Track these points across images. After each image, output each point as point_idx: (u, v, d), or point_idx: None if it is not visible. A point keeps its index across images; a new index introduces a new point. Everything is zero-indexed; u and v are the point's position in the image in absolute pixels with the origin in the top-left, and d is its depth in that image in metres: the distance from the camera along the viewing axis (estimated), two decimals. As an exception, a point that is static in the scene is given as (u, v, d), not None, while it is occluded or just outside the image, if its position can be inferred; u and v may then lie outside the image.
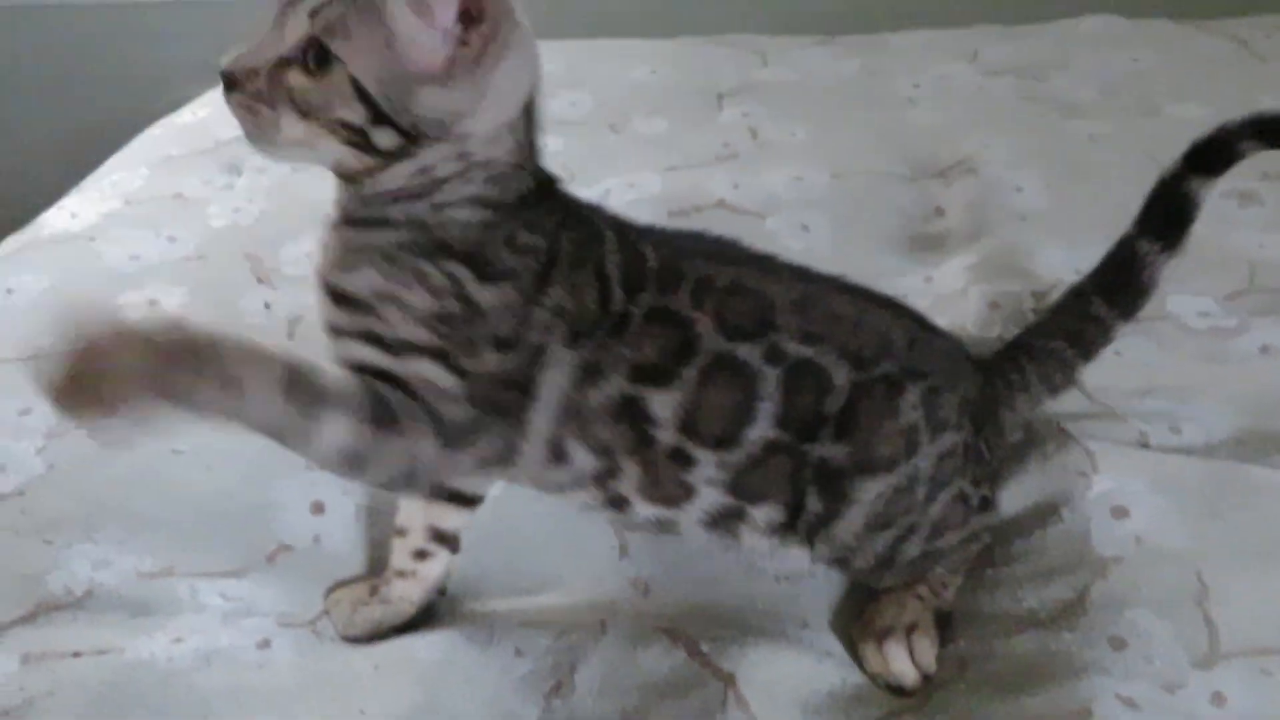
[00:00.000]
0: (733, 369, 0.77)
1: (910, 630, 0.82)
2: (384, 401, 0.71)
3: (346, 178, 0.75)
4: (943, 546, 0.84)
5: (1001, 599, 0.84)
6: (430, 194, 0.73)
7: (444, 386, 0.72)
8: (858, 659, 0.82)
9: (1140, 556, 0.81)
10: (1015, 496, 0.92)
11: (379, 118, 0.70)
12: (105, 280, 1.20)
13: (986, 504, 0.87)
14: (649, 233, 0.82)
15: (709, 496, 0.79)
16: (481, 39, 0.70)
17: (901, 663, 0.80)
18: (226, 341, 0.66)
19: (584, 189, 1.35)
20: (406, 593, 0.87)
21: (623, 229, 0.81)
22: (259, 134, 0.71)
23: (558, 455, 0.77)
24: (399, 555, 0.87)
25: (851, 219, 1.31)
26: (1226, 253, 1.20)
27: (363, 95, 0.69)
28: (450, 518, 0.87)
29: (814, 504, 0.80)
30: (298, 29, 0.69)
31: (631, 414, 0.76)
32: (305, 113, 0.69)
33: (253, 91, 0.69)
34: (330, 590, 0.89)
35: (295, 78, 0.69)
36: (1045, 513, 0.90)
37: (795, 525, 0.81)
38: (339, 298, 0.75)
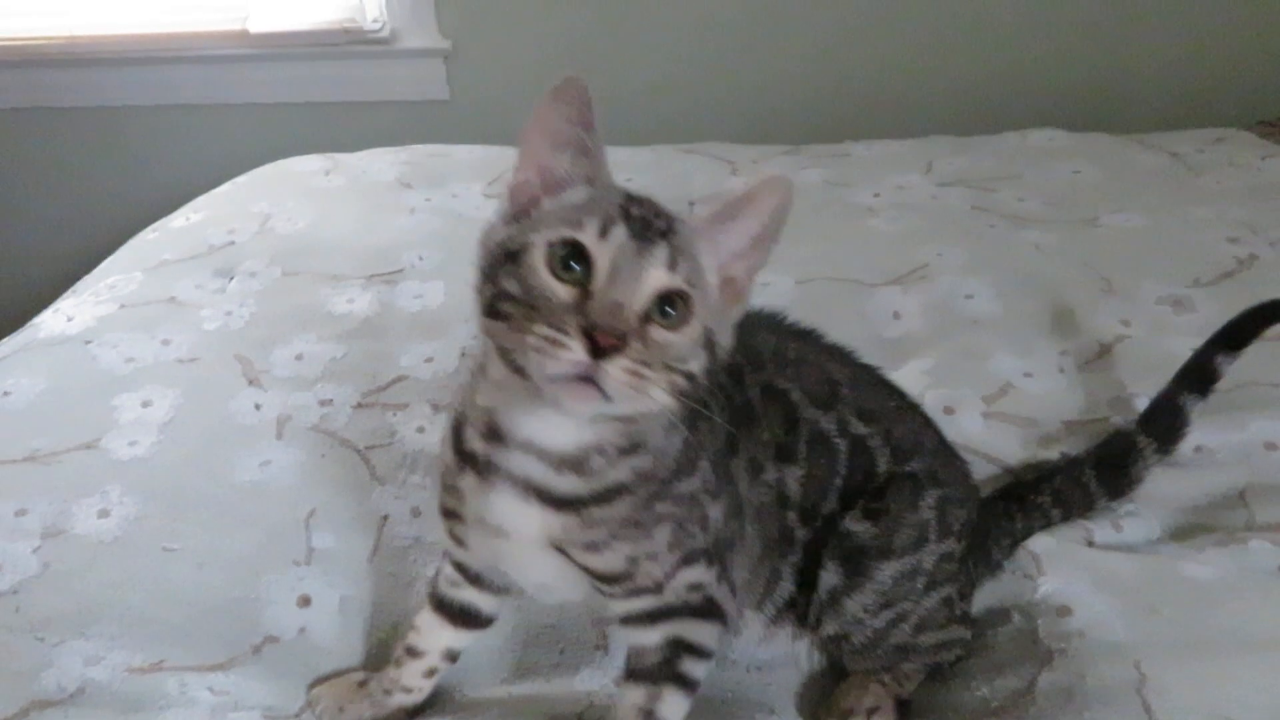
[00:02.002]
0: (824, 441, 0.85)
1: (871, 713, 0.87)
2: (677, 653, 0.77)
3: (575, 459, 0.72)
4: (922, 643, 0.90)
5: (956, 688, 0.90)
6: (639, 448, 0.72)
7: (698, 578, 0.77)
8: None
9: (1083, 649, 0.87)
10: (972, 602, 0.97)
11: (709, 349, 0.69)
12: (100, 382, 1.24)
13: (965, 618, 0.94)
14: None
15: (786, 584, 0.86)
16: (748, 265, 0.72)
17: None
18: None
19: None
20: (404, 702, 0.90)
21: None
22: (633, 398, 0.64)
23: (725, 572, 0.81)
24: (411, 675, 0.89)
25: (815, 323, 1.37)
26: (1162, 357, 1.27)
27: (708, 342, 0.68)
28: (465, 639, 0.91)
29: (831, 577, 0.86)
30: (654, 282, 0.65)
31: (780, 500, 0.83)
32: (665, 369, 0.65)
33: (637, 354, 0.63)
34: (313, 685, 0.92)
35: (658, 333, 0.65)
36: (997, 616, 0.96)
37: (797, 603, 0.87)
38: (601, 577, 0.77)
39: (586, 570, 0.76)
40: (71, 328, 1.36)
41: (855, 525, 0.85)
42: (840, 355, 0.93)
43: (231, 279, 1.48)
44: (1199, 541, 1.01)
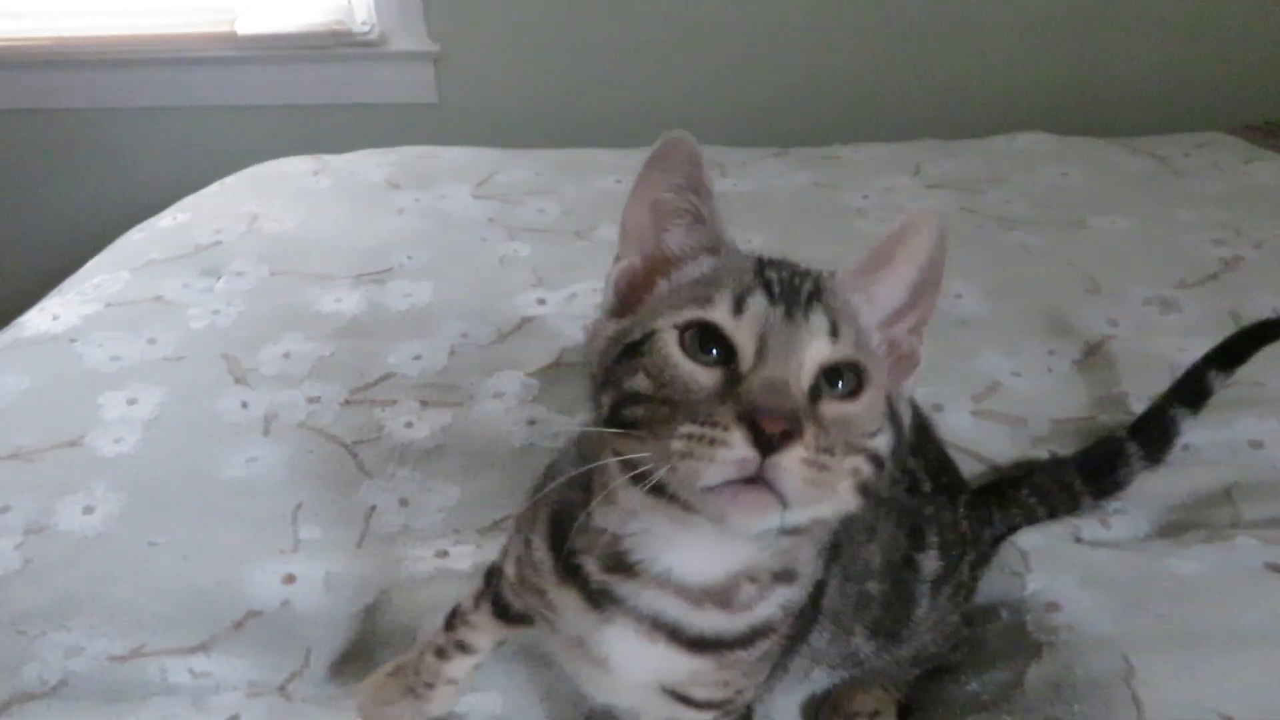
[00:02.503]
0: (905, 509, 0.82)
1: (874, 716, 0.87)
2: None
3: (722, 590, 0.61)
4: (934, 650, 0.89)
5: (946, 683, 0.89)
6: (793, 576, 0.63)
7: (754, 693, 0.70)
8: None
9: (1072, 642, 0.87)
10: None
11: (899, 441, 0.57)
12: (85, 381, 1.23)
13: (967, 621, 0.93)
14: None
15: (857, 639, 0.82)
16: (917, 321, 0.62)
17: None
18: None
19: (551, 293, 1.44)
20: (449, 693, 0.86)
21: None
22: (815, 495, 0.51)
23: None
24: (459, 669, 0.85)
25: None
26: (1150, 356, 1.28)
27: (892, 414, 0.57)
28: (521, 633, 0.85)
29: (924, 606, 0.83)
30: (817, 354, 0.54)
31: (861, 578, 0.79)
32: (847, 453, 0.53)
33: (815, 440, 0.50)
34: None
35: (832, 407, 0.54)
36: (987, 614, 0.95)
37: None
38: (697, 705, 0.67)
39: (687, 701, 0.66)
40: (57, 326, 1.35)
41: (930, 562, 0.83)
42: None
43: (219, 279, 1.48)
44: (1186, 538, 1.01)
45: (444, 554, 1.01)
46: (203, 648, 0.89)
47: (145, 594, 0.94)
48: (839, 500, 0.54)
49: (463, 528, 1.04)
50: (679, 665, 0.63)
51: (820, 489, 0.51)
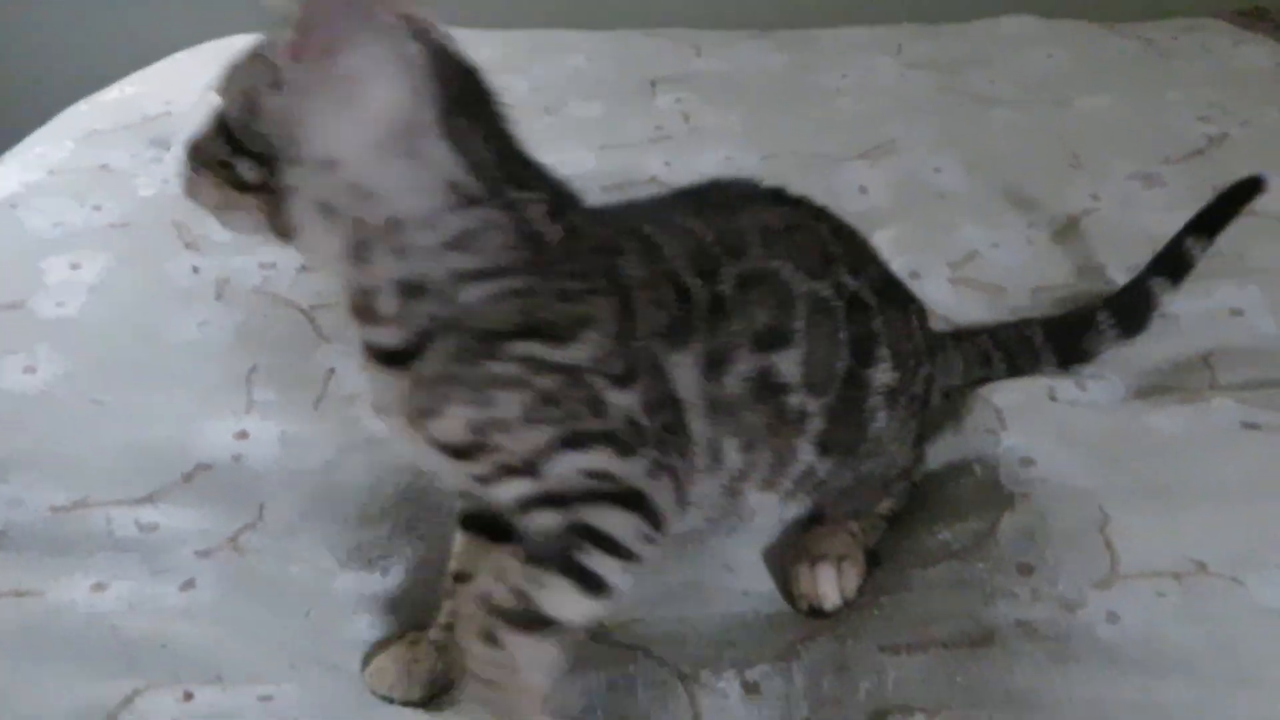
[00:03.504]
0: (824, 310, 0.79)
1: (841, 559, 0.85)
2: (571, 542, 0.68)
3: (364, 306, 0.69)
4: (890, 475, 0.88)
5: (920, 535, 0.88)
6: (423, 291, 0.67)
7: (602, 465, 0.68)
8: (787, 581, 0.86)
9: (1047, 493, 0.85)
10: (931, 458, 0.95)
11: (235, 146, 0.65)
12: (27, 246, 1.18)
13: (920, 450, 0.92)
14: (686, 207, 0.81)
15: (805, 458, 0.80)
16: (303, 29, 0.63)
17: (829, 585, 0.84)
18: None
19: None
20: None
21: (660, 218, 0.78)
22: (202, 205, 0.70)
23: (715, 457, 0.75)
24: (467, 600, 0.80)
25: (779, 197, 1.35)
26: (1132, 230, 1.25)
27: (222, 124, 0.66)
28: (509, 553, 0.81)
29: (882, 420, 0.83)
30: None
31: (768, 388, 0.76)
32: (205, 165, 0.67)
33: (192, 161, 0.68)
34: (367, 658, 0.82)
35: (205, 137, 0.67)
36: (958, 469, 0.94)
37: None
38: (450, 450, 0.70)
39: (437, 447, 0.70)
40: (-4, 192, 1.29)
41: (883, 375, 0.82)
42: (817, 210, 0.89)
43: (169, 149, 1.41)
44: (1162, 400, 0.99)
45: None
46: (150, 499, 0.86)
47: (89, 450, 0.90)
48: (241, 219, 0.68)
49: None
50: (397, 386, 0.69)
51: (194, 195, 0.70)
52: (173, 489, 0.87)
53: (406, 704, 0.79)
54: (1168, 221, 1.27)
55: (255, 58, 0.65)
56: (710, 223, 0.78)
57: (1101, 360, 1.05)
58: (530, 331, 0.67)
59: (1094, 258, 1.21)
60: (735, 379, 0.74)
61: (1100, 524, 0.81)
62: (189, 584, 0.81)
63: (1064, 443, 0.91)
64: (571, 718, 0.73)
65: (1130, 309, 1.06)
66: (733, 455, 0.76)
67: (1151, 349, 1.07)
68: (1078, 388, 1.01)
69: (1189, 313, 1.12)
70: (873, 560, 0.88)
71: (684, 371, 0.73)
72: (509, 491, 0.69)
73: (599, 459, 0.68)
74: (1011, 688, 0.71)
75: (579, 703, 0.73)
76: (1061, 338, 1.03)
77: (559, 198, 0.72)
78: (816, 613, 0.83)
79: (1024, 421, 0.94)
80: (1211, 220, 1.07)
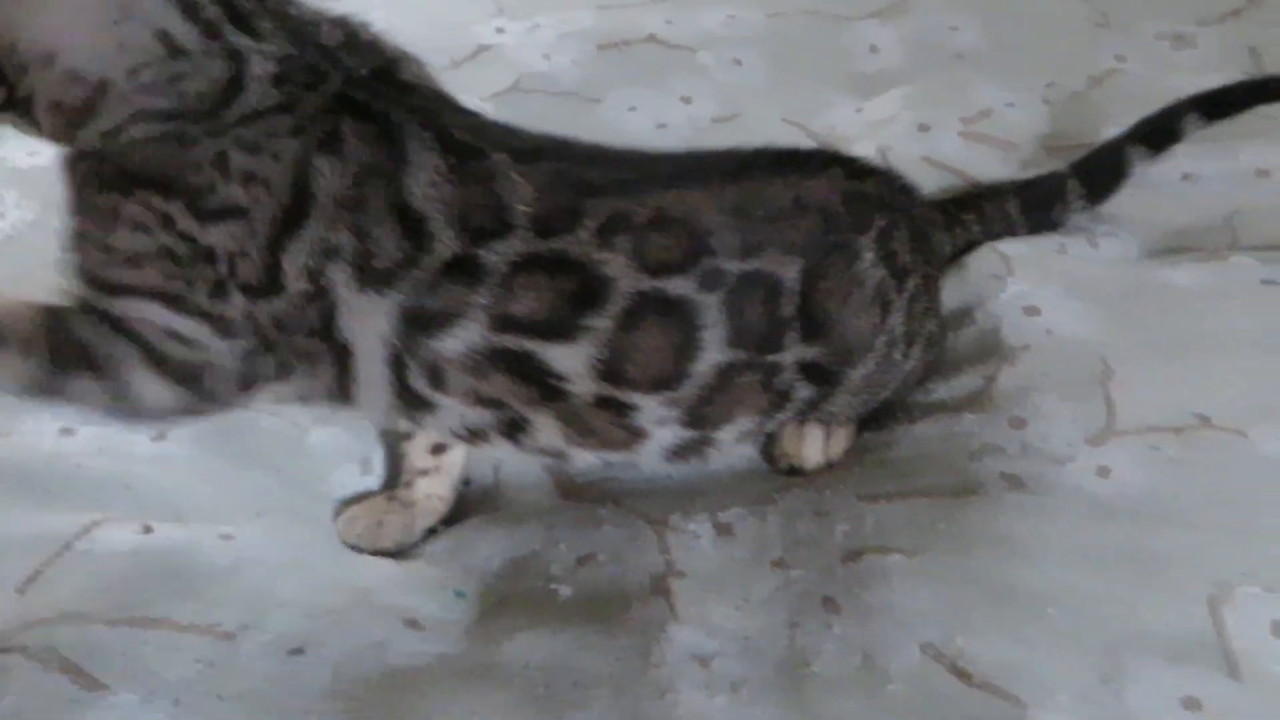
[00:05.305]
0: (663, 307, 0.68)
1: (831, 422, 0.81)
2: (75, 343, 0.64)
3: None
4: (904, 380, 0.82)
5: (913, 392, 0.84)
6: (85, 118, 0.62)
7: (175, 328, 0.64)
8: (769, 438, 0.83)
9: (1049, 345, 0.82)
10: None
11: None
12: None
13: (942, 331, 0.85)
14: (539, 159, 0.69)
15: (665, 434, 0.72)
16: None
17: (814, 446, 0.80)
18: None
19: (513, 23, 1.33)
20: (433, 489, 0.81)
21: (476, 152, 0.67)
22: None
23: (418, 404, 0.69)
24: (416, 454, 0.81)
25: (785, 55, 1.28)
26: (1159, 91, 1.17)
27: None
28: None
29: (804, 392, 0.74)
30: None
31: (520, 368, 0.67)
32: None
33: None
34: (339, 510, 0.82)
35: None
36: (959, 318, 0.89)
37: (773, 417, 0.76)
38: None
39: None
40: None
41: (799, 351, 0.73)
42: (726, 175, 0.73)
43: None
44: (1177, 258, 0.94)
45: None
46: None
47: (56, 293, 0.87)
48: None
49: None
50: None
51: None
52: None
53: (376, 554, 0.78)
54: (1195, 85, 1.20)
55: None
56: (550, 192, 0.67)
57: (1115, 219, 1.00)
58: (175, 190, 0.62)
59: (1115, 119, 1.14)
60: (453, 344, 0.65)
61: (1102, 378, 0.77)
62: (160, 436, 0.79)
63: (1071, 294, 0.87)
64: (534, 549, 0.71)
65: (1100, 176, 0.98)
66: (451, 406, 0.68)
67: (1171, 209, 1.02)
68: (1089, 244, 0.96)
69: (1211, 173, 1.06)
70: (862, 422, 0.84)
71: (366, 315, 0.65)
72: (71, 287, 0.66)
73: (179, 325, 0.64)
74: (993, 534, 0.69)
75: (542, 536, 0.71)
76: (1034, 209, 0.97)
77: (317, 69, 0.64)
78: (795, 472, 0.80)
79: (1032, 270, 0.89)
80: (1221, 103, 0.99)
